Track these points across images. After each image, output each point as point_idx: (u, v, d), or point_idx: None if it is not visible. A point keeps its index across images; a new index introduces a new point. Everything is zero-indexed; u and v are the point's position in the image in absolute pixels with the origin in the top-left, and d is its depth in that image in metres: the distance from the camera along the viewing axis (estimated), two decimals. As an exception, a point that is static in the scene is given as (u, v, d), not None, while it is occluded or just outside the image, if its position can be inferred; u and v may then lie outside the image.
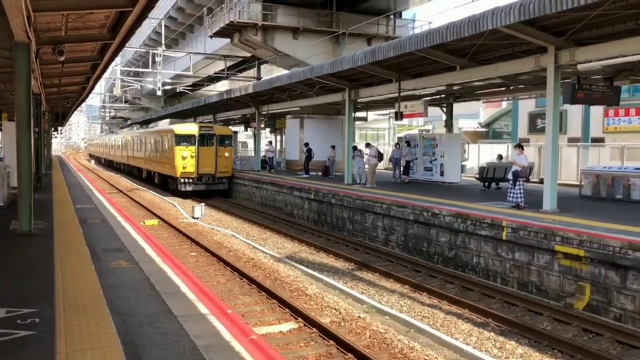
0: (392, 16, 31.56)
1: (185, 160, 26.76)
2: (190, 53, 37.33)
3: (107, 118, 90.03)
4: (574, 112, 29.48)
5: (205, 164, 27.22)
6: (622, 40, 11.83)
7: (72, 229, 12.04)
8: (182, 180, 27.08)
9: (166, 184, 30.32)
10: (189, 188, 27.23)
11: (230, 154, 28.27)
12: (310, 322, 8.73)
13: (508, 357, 7.91)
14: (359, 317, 9.15)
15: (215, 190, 28.16)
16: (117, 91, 57.93)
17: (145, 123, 50.50)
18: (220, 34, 30.99)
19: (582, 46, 12.70)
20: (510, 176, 14.83)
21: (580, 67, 13.53)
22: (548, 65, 13.20)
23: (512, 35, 12.77)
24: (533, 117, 33.79)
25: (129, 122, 68.31)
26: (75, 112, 55.97)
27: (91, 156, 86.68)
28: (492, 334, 8.79)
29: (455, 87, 19.98)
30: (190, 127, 28.31)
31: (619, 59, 12.32)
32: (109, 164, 58.88)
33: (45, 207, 15.39)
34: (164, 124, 35.93)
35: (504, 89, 20.27)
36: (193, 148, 27.00)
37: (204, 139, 27.33)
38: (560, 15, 11.43)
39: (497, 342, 8.40)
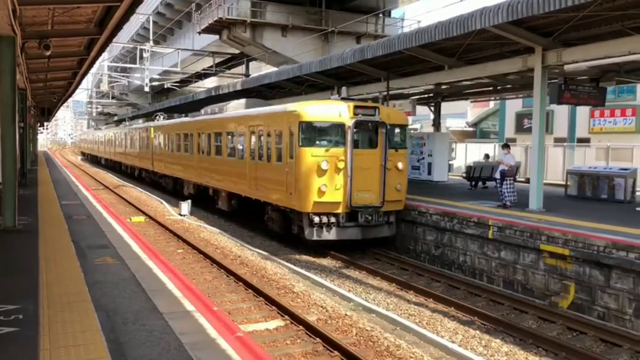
0: (381, 15, 31.61)
1: (323, 178, 13.40)
2: (179, 49, 37.11)
3: (94, 114, 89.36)
4: (561, 112, 29.73)
5: (364, 185, 13.77)
6: (608, 42, 11.98)
7: (57, 225, 11.94)
8: (314, 218, 13.44)
9: (257, 215, 16.99)
10: (328, 235, 13.67)
11: (405, 163, 14.79)
12: (296, 319, 8.72)
13: (493, 355, 7.96)
14: (346, 315, 9.16)
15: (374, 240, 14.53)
16: (104, 87, 57.58)
17: (178, 110, 33.88)
18: (208, 30, 30.85)
19: (569, 47, 12.81)
20: (497, 175, 14.94)
21: (567, 67, 13.67)
22: (535, 66, 13.31)
23: (500, 35, 12.85)
24: (520, 117, 34.05)
25: (153, 107, 46.80)
26: (61, 108, 55.32)
27: (84, 154, 74.83)
28: (477, 332, 8.84)
29: (443, 87, 20.07)
30: (334, 108, 13.90)
31: (605, 59, 12.46)
32: (113, 167, 45.66)
33: (30, 203, 15.25)
34: (234, 106, 20.06)
35: (491, 88, 20.40)
36: (340, 152, 13.55)
37: (362, 133, 14.21)
38: (547, 16, 11.52)
39: (482, 340, 8.45)
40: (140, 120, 37.90)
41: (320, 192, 13.38)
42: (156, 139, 29.24)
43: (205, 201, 21.57)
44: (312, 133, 13.81)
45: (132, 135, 36.11)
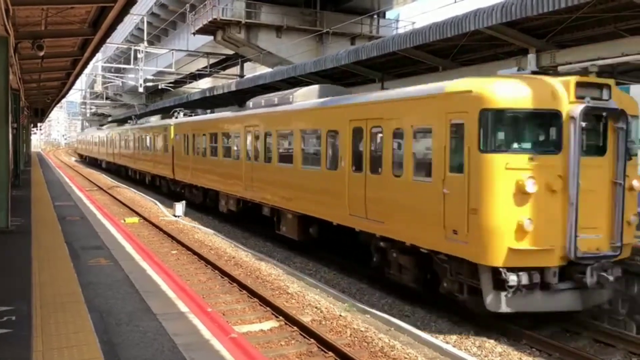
0: (375, 16, 31.69)
1: (526, 207, 7.85)
2: (173, 50, 37.09)
3: (88, 114, 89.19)
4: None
5: (591, 219, 8.10)
6: (601, 43, 12.05)
7: (51, 226, 11.89)
8: (509, 277, 7.76)
9: (353, 251, 12.46)
10: (528, 304, 8.17)
11: None
12: (291, 320, 8.71)
13: (487, 355, 7.97)
14: (340, 315, 9.15)
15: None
16: (98, 87, 57.47)
17: (197, 106, 29.34)
18: (203, 31, 30.85)
19: (562, 48, 12.88)
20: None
21: (560, 69, 13.69)
22: (529, 67, 13.34)
23: (494, 37, 12.90)
24: (514, 119, 34.17)
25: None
26: (55, 108, 55.18)
27: (81, 157, 66.20)
28: (471, 332, 8.85)
29: (437, 88, 20.10)
30: (542, 86, 8.21)
31: (599, 61, 12.51)
32: (117, 172, 39.56)
33: (23, 204, 15.19)
34: (303, 95, 14.47)
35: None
36: (556, 161, 8.00)
37: (590, 130, 8.35)
38: (541, 18, 11.58)
39: (476, 341, 8.46)
40: (153, 118, 32.12)
41: (522, 232, 7.86)
42: (179, 139, 23.65)
43: (254, 222, 17.19)
44: (506, 129, 8.35)
45: (143, 136, 29.91)
